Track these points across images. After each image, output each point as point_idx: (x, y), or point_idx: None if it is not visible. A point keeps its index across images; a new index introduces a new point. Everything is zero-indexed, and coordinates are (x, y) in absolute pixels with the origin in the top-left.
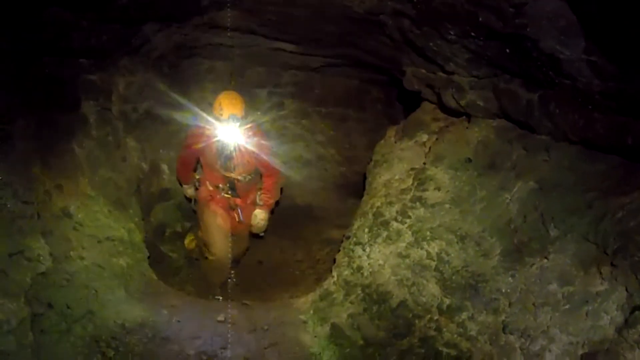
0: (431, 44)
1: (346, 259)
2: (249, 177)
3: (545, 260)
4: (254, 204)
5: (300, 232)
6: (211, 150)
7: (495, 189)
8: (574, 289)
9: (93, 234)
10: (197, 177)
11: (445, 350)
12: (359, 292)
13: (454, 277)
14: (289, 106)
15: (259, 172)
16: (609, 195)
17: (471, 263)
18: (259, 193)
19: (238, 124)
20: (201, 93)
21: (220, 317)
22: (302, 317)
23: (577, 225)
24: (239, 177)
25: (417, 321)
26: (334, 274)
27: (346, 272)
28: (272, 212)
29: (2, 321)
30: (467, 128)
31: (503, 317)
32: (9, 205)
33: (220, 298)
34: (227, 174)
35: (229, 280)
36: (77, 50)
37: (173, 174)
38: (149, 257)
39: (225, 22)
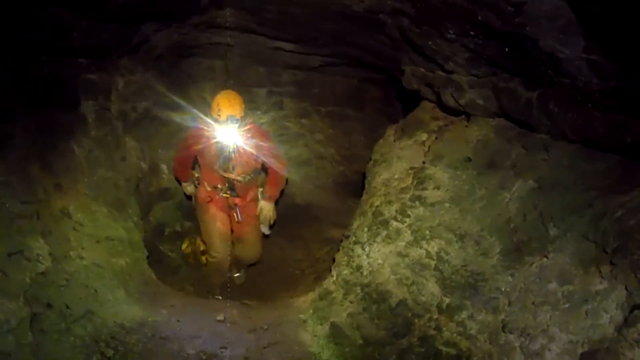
0: (430, 42)
1: (345, 258)
2: (249, 177)
3: (545, 259)
4: (255, 201)
5: (300, 231)
6: (209, 151)
7: (495, 188)
8: (573, 287)
9: (92, 233)
10: (197, 175)
11: (444, 349)
12: (359, 291)
13: (453, 276)
14: (288, 105)
15: (258, 171)
16: (609, 194)
17: (471, 262)
18: (260, 189)
19: (237, 125)
20: (200, 92)
21: (220, 317)
22: (302, 316)
23: (577, 224)
24: (239, 178)
25: (416, 320)
26: (334, 273)
27: (345, 272)
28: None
29: (2, 321)
30: (466, 127)
31: (502, 316)
32: (8, 205)
33: (220, 297)
34: (227, 175)
35: (238, 281)
36: (77, 50)
37: (172, 173)
38: (148, 257)
39: (224, 22)
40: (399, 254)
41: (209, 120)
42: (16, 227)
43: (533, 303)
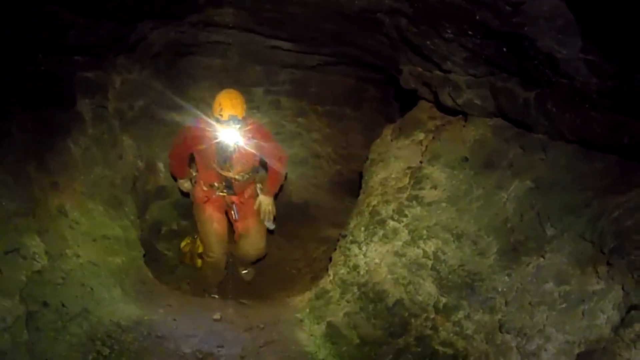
0: (428, 42)
1: (342, 257)
2: (247, 175)
3: (542, 259)
4: (253, 197)
5: (297, 230)
6: (208, 149)
7: (492, 188)
8: (570, 288)
9: (88, 232)
10: (194, 173)
11: (441, 349)
12: (355, 290)
13: (450, 276)
14: (285, 104)
15: (256, 170)
16: (606, 194)
17: (467, 262)
18: (259, 185)
19: (238, 125)
20: (198, 91)
21: (216, 316)
22: (298, 315)
23: (574, 224)
24: (237, 177)
25: (413, 320)
26: (330, 272)
27: (342, 271)
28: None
29: None
30: (463, 127)
31: (499, 316)
32: (4, 203)
33: (217, 296)
34: (225, 173)
35: (247, 278)
36: (74, 48)
37: (169, 171)
38: (144, 255)
39: (222, 20)
40: (396, 254)
41: (207, 119)
42: (12, 225)
43: (530, 303)
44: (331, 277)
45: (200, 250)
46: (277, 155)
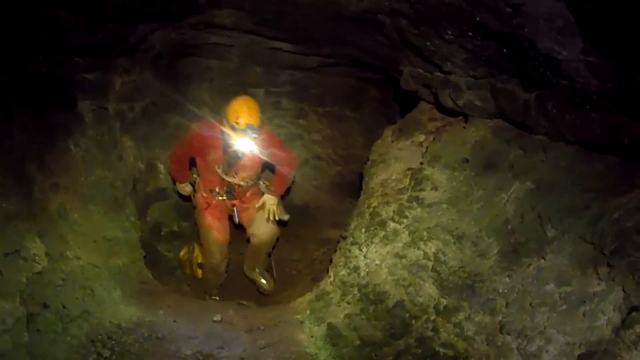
0: (428, 43)
1: (343, 259)
2: (251, 181)
3: (542, 261)
4: (256, 194)
5: (297, 231)
6: (212, 154)
7: (492, 189)
8: (571, 289)
9: (89, 233)
10: (195, 176)
11: (442, 350)
12: (356, 292)
13: (450, 278)
14: (285, 106)
15: (259, 176)
16: (606, 195)
17: (468, 263)
18: (262, 184)
19: (255, 134)
20: (198, 92)
21: (217, 317)
22: (299, 317)
23: (574, 226)
24: (241, 183)
25: (413, 321)
26: (331, 274)
27: (343, 272)
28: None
29: None
30: (464, 128)
31: (500, 318)
32: (4, 205)
33: (217, 298)
34: (229, 179)
35: (268, 287)
36: (74, 49)
37: (168, 169)
38: (145, 257)
39: (222, 21)
40: (397, 255)
41: (217, 124)
42: (12, 227)
43: (530, 304)
44: (331, 279)
45: (199, 260)
46: (288, 159)
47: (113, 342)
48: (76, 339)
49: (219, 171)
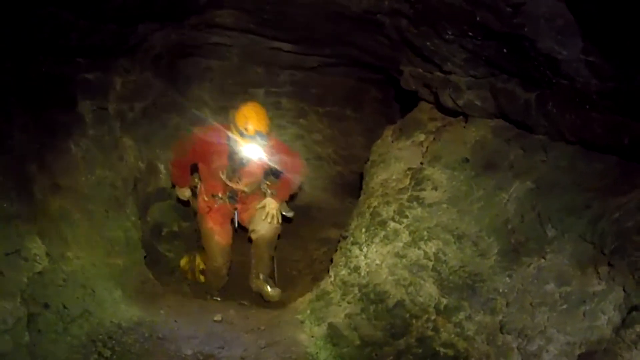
0: (428, 43)
1: (343, 258)
2: (254, 187)
3: (543, 260)
4: (257, 195)
5: (297, 231)
6: (217, 160)
7: (493, 189)
8: (571, 289)
9: (89, 233)
10: (197, 180)
11: (442, 350)
12: (356, 292)
13: (451, 277)
14: (286, 106)
15: (262, 182)
16: (607, 195)
17: (468, 263)
18: (266, 185)
19: (264, 141)
20: (198, 92)
21: (217, 317)
22: (299, 317)
23: (575, 225)
24: (245, 189)
25: (414, 321)
26: (331, 273)
27: (343, 272)
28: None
29: None
30: (464, 128)
31: (500, 317)
32: (5, 205)
33: (219, 299)
34: (233, 185)
35: (273, 294)
36: (75, 50)
37: (169, 173)
38: (145, 257)
39: (222, 22)
40: (397, 255)
41: (223, 129)
42: (13, 227)
43: (531, 304)
44: (332, 278)
45: (201, 267)
46: (295, 166)
47: (114, 342)
48: (77, 339)
49: (223, 177)
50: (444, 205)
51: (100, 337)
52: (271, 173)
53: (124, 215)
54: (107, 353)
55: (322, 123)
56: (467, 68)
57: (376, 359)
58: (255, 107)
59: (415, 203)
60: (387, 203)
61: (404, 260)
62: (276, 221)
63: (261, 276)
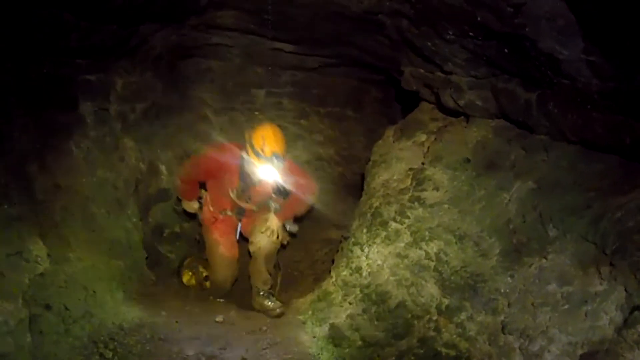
0: (429, 43)
1: (345, 259)
2: (263, 205)
3: (544, 260)
4: (265, 210)
5: (299, 232)
6: (228, 179)
7: (494, 189)
8: (573, 289)
9: (91, 234)
10: (203, 191)
11: (444, 350)
12: (358, 292)
13: (452, 278)
14: (287, 106)
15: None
16: (608, 195)
17: (470, 263)
18: (272, 200)
19: (281, 164)
20: (199, 93)
21: (219, 318)
22: (301, 317)
23: (576, 225)
24: (254, 208)
25: (416, 322)
26: (333, 274)
27: (345, 273)
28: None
29: (0, 322)
30: (465, 128)
31: (502, 318)
32: (6, 206)
33: (222, 300)
34: (242, 204)
35: (276, 310)
36: (75, 51)
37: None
38: (147, 258)
39: (223, 22)
40: (398, 255)
41: (238, 149)
42: (15, 228)
43: (532, 304)
44: (333, 279)
45: (204, 274)
46: (308, 188)
47: (115, 343)
48: (78, 340)
49: (233, 196)
50: (446, 206)
51: (102, 338)
52: (280, 192)
53: (125, 216)
54: (109, 354)
55: (323, 124)
56: (468, 68)
57: (378, 359)
58: (272, 128)
59: (416, 203)
60: (389, 203)
61: (405, 260)
62: (275, 237)
63: (261, 292)
